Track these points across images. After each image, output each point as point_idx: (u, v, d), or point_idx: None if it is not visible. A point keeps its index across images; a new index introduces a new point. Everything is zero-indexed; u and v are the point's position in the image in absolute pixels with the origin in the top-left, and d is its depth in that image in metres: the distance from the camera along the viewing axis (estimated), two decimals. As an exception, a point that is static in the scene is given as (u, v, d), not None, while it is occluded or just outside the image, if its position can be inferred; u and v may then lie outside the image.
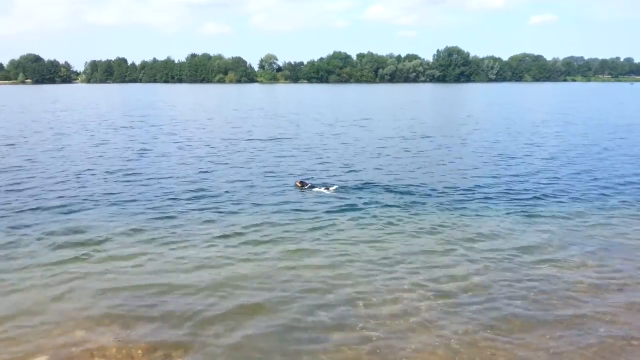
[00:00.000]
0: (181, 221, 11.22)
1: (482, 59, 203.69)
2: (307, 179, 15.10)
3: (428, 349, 6.25)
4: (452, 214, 11.85)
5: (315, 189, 14.05)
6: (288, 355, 6.10)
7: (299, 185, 14.23)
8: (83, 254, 9.29)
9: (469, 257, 9.32)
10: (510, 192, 13.97)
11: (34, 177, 15.81)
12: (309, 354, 6.12)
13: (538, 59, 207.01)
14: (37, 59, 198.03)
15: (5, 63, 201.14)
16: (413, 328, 6.75)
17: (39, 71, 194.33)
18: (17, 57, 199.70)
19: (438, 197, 13.38)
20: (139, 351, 6.19)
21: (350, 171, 16.96)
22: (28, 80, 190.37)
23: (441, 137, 26.79)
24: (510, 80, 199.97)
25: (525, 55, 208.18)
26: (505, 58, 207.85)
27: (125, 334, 6.53)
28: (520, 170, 16.99)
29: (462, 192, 14.01)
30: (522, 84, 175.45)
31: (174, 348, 6.23)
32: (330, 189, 14.18)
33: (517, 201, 12.86)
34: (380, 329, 6.72)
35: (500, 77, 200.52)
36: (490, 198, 13.23)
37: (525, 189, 13.88)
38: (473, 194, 13.76)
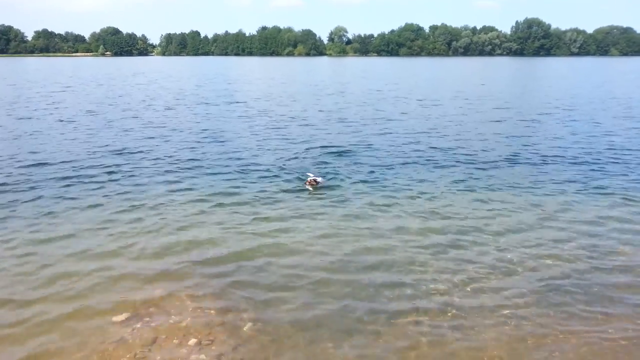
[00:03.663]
0: (259, 194, 11.58)
1: (564, 32, 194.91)
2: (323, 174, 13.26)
3: (496, 333, 6.28)
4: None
5: (319, 180, 12.19)
6: (356, 332, 6.28)
7: (314, 183, 11.89)
8: (159, 218, 9.93)
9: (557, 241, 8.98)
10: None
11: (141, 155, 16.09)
12: (375, 332, 6.30)
13: (627, 31, 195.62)
14: (116, 32, 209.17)
15: (87, 36, 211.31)
16: (482, 309, 6.77)
17: (118, 44, 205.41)
18: (97, 30, 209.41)
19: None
20: (212, 311, 6.57)
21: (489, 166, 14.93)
22: (108, 53, 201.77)
23: (576, 122, 23.88)
24: (594, 54, 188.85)
25: (612, 28, 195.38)
26: (589, 30, 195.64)
27: (201, 296, 6.94)
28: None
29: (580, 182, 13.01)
30: (608, 58, 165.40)
31: (245, 312, 6.57)
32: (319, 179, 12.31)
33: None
34: (449, 311, 6.78)
35: (584, 51, 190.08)
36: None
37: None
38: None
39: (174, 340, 5.99)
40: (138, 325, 6.29)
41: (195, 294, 7.04)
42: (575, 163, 14.90)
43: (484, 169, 14.14)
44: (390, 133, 20.23)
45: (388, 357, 5.81)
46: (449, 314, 6.63)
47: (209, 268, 7.83)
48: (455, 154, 16.20)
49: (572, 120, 23.82)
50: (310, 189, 11.69)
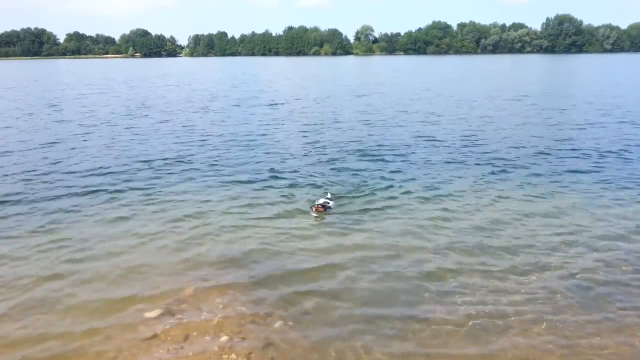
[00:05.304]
0: (293, 196, 11.72)
1: (597, 28, 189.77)
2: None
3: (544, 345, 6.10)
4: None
5: (330, 204, 10.73)
6: (387, 333, 6.29)
7: (321, 210, 10.36)
8: (191, 218, 10.18)
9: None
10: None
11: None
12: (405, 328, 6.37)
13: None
14: (145, 33, 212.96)
15: (116, 38, 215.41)
16: (516, 312, 6.74)
17: (147, 45, 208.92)
18: (127, 32, 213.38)
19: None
20: (243, 309, 6.65)
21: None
22: (137, 54, 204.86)
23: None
24: (628, 50, 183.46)
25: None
26: (623, 26, 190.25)
27: (232, 294, 7.04)
28: None
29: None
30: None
31: (276, 310, 6.65)
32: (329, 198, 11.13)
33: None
34: (481, 315, 6.71)
35: (617, 48, 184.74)
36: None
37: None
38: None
39: (206, 337, 6.07)
40: (170, 322, 6.39)
41: (226, 291, 7.14)
42: (626, 166, 14.31)
43: (526, 171, 13.80)
44: (429, 136, 19.60)
45: None
46: (482, 319, 6.53)
47: (240, 266, 7.91)
48: (496, 156, 15.73)
49: (623, 122, 22.49)
50: (315, 214, 10.30)
